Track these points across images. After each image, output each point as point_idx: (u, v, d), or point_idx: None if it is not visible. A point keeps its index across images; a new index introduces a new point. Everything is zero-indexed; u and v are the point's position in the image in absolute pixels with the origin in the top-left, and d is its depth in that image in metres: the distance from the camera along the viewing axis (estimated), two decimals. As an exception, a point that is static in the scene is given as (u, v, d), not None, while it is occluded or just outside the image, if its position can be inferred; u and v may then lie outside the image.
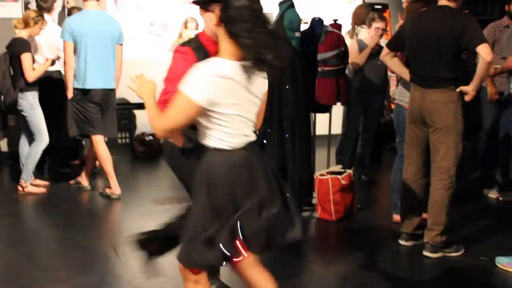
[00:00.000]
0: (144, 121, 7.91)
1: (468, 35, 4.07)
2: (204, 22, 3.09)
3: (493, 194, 6.04)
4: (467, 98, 4.19)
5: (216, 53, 2.63)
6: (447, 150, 4.25)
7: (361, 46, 6.04)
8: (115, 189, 5.75)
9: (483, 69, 4.06)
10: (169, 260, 4.17)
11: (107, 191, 5.78)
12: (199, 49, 2.98)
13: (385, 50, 4.56)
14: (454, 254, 4.38)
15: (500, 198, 5.96)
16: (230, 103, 2.51)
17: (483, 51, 4.00)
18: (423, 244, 4.42)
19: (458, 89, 4.18)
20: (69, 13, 6.61)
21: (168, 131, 2.59)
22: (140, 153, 7.65)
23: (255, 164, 2.63)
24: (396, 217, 4.97)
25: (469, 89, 4.16)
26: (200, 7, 3.07)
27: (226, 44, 2.52)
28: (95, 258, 4.33)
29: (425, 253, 4.37)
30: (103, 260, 4.31)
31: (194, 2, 3.11)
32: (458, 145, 4.27)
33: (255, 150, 2.69)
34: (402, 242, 4.59)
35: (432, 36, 4.19)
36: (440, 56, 4.19)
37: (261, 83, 2.65)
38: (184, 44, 3.10)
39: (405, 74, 4.49)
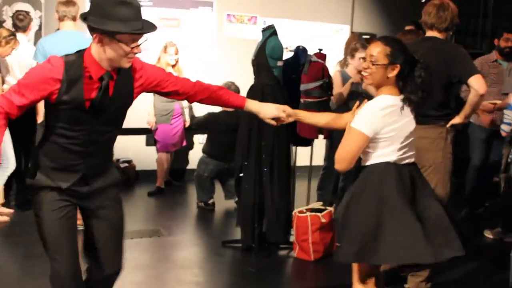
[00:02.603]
0: (119, 147, 7.63)
1: (460, 67, 3.87)
2: (99, 46, 2.63)
3: (491, 235, 5.80)
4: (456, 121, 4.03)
5: (96, 74, 2.60)
6: (434, 189, 3.99)
7: (345, 78, 5.80)
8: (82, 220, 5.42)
9: (475, 101, 3.88)
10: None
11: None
12: (74, 65, 2.64)
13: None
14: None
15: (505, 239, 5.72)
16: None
17: (476, 83, 3.80)
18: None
19: (448, 125, 3.97)
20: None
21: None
22: (115, 180, 7.34)
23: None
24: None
25: (459, 121, 4.00)
26: (102, 34, 2.60)
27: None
28: (53, 297, 4.00)
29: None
30: (61, 300, 3.99)
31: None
32: (446, 184, 4.05)
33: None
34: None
35: None
36: (429, 91, 3.96)
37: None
38: (63, 56, 2.72)
39: None
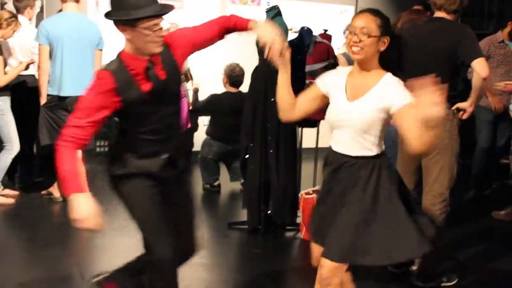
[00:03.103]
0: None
1: (465, 48, 3.79)
2: (127, 40, 2.71)
3: (499, 216, 5.76)
4: (464, 115, 3.92)
5: (140, 67, 2.66)
6: (441, 173, 3.95)
7: (350, 60, 5.73)
8: (87, 202, 5.41)
9: (478, 85, 3.79)
10: None
11: (79, 204, 5.44)
12: (119, 70, 2.70)
13: None
14: (447, 284, 4.08)
15: None
16: None
17: (479, 66, 3.73)
18: (413, 272, 4.12)
19: (454, 107, 3.90)
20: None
21: None
22: (119, 163, 7.32)
23: None
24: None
25: (466, 106, 3.89)
26: (124, 24, 2.65)
27: None
28: (59, 280, 4.00)
29: (416, 282, 4.07)
30: (66, 282, 3.99)
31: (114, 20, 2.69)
32: (453, 167, 3.99)
33: None
34: (390, 268, 4.29)
35: (426, 51, 3.89)
36: (435, 72, 3.90)
37: None
38: (104, 67, 2.80)
39: None
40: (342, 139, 2.84)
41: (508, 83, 5.71)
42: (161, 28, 2.64)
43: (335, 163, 2.87)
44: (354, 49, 2.77)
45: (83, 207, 2.69)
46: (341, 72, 2.93)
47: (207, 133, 6.55)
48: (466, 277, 4.22)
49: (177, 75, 2.87)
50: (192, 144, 7.87)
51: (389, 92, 2.75)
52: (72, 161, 2.67)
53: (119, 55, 2.76)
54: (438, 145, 3.90)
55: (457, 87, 3.98)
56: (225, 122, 6.24)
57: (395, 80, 2.82)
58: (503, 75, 6.02)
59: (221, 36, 3.00)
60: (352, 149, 2.82)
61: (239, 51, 7.21)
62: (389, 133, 4.70)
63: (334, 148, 2.89)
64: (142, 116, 2.77)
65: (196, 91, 6.70)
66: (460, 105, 3.91)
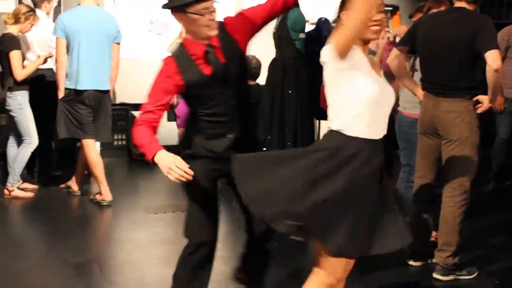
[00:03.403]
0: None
1: (481, 38, 3.73)
2: (184, 26, 2.84)
3: None
4: (480, 109, 3.87)
5: (200, 51, 2.75)
6: (461, 165, 3.90)
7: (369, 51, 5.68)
8: (106, 195, 5.44)
9: (491, 77, 3.72)
10: (155, 277, 3.91)
11: (98, 197, 5.48)
12: (181, 55, 2.84)
13: (394, 53, 4.13)
14: (466, 277, 4.03)
15: None
16: None
17: (491, 58, 3.67)
18: (433, 265, 4.08)
19: (474, 98, 3.85)
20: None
21: None
22: (137, 155, 7.33)
23: None
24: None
25: (485, 100, 3.84)
26: (177, 12, 2.78)
27: None
28: (77, 273, 4.02)
29: (435, 275, 4.02)
30: (85, 276, 4.00)
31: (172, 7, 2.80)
32: (473, 159, 3.93)
33: None
34: (410, 262, 4.25)
35: (446, 41, 3.85)
36: (455, 63, 3.85)
37: None
38: (170, 53, 2.94)
39: (412, 87, 4.16)
40: (380, 121, 2.58)
41: None
42: (212, 11, 2.71)
43: (375, 155, 2.55)
44: (375, 28, 2.54)
45: (167, 158, 2.73)
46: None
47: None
48: (486, 269, 4.17)
49: (238, 58, 2.90)
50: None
51: None
52: (145, 134, 2.80)
53: (182, 42, 2.88)
54: (459, 137, 3.86)
55: (476, 77, 3.91)
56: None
57: None
58: (524, 65, 5.94)
59: (280, 11, 3.02)
60: (383, 132, 2.59)
61: (256, 43, 7.17)
62: (401, 123, 4.69)
63: (371, 136, 2.54)
64: (206, 98, 2.85)
65: None
66: (480, 97, 3.86)
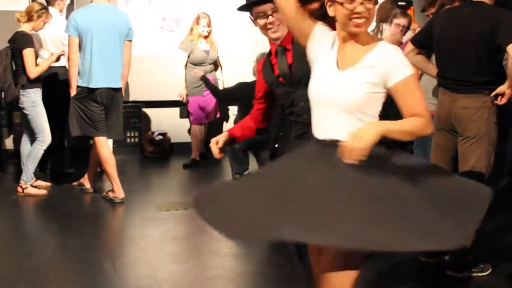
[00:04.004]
0: (154, 120, 7.64)
1: (502, 32, 3.64)
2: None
3: None
4: (503, 100, 3.74)
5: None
6: (477, 161, 3.83)
7: None
8: (118, 193, 5.45)
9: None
10: (168, 274, 3.92)
11: (110, 194, 5.49)
12: (267, 54, 3.00)
13: (409, 46, 4.10)
14: (480, 274, 4.00)
15: None
16: None
17: None
18: (447, 262, 4.05)
19: (493, 93, 3.74)
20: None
21: None
22: (150, 153, 7.37)
23: None
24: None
25: (504, 89, 3.71)
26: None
27: None
28: (90, 270, 4.01)
29: (449, 272, 3.99)
30: (98, 273, 4.00)
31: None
32: (490, 156, 3.85)
33: None
34: (423, 258, 4.22)
35: (464, 35, 3.77)
36: (473, 57, 3.78)
37: None
38: None
39: (432, 71, 4.10)
40: (323, 123, 2.38)
41: None
42: (269, 15, 2.80)
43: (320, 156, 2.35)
44: (358, 21, 2.25)
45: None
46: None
47: (236, 122, 6.52)
48: (500, 266, 4.13)
49: (303, 61, 2.79)
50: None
51: (385, 60, 2.26)
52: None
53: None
54: (477, 134, 3.80)
55: (494, 72, 3.85)
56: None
57: (392, 47, 2.33)
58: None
59: None
60: (327, 135, 2.35)
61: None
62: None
63: (317, 135, 2.40)
64: (280, 98, 2.93)
65: (205, 79, 6.61)
66: (498, 89, 3.74)
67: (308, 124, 2.68)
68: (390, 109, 3.01)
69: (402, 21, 5.54)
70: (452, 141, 3.97)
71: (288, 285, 3.71)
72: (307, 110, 2.73)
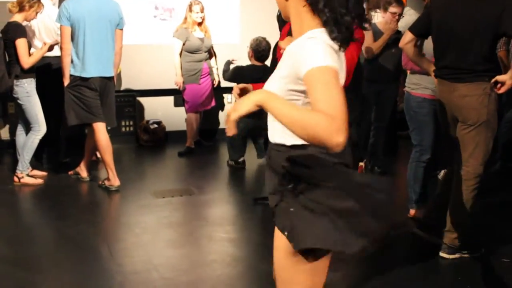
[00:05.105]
0: (149, 109, 7.66)
1: (506, 18, 3.61)
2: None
3: None
4: (502, 89, 3.72)
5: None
6: (476, 148, 3.84)
7: (375, 31, 5.67)
8: (114, 180, 5.48)
9: None
10: (164, 259, 3.97)
11: (106, 183, 5.52)
12: None
13: (408, 36, 4.05)
14: (472, 255, 4.05)
15: None
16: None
17: None
18: (440, 244, 4.10)
19: (493, 80, 3.72)
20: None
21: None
22: (145, 141, 7.39)
23: None
24: (412, 212, 4.69)
25: (506, 78, 3.68)
26: None
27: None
28: (88, 256, 4.07)
29: (442, 254, 4.05)
30: (95, 259, 4.05)
31: None
32: (489, 142, 3.86)
33: None
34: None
35: (465, 22, 3.73)
36: (474, 45, 3.73)
37: None
38: None
39: (429, 67, 4.11)
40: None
41: None
42: None
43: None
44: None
45: None
46: None
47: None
48: (492, 247, 4.19)
49: None
50: (218, 122, 7.90)
51: (293, 51, 2.01)
52: None
53: None
54: (477, 121, 3.78)
55: (494, 59, 3.84)
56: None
57: (306, 35, 1.99)
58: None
59: None
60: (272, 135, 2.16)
61: (260, 27, 7.16)
62: (410, 103, 4.68)
63: None
64: None
65: (228, 63, 6.62)
66: (500, 77, 3.72)
67: None
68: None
69: (397, 9, 5.57)
70: (455, 130, 3.97)
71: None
72: None
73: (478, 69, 3.77)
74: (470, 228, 4.11)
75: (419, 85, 4.55)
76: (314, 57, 1.87)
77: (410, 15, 6.04)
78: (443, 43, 3.91)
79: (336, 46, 1.96)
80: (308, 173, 2.02)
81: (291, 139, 2.03)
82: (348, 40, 2.00)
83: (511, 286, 3.75)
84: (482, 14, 3.69)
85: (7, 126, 7.16)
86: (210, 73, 7.08)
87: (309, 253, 2.11)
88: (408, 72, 4.82)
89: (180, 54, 6.81)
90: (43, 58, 5.71)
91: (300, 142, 1.97)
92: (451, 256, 4.02)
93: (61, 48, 5.44)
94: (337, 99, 1.77)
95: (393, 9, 5.52)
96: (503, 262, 4.01)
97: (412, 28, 4.10)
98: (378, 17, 5.98)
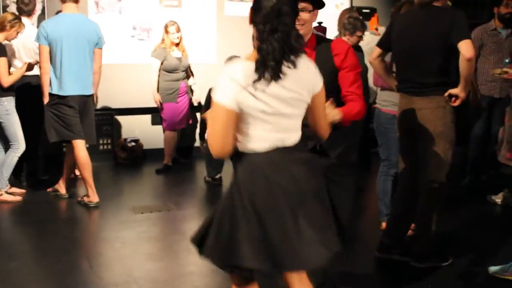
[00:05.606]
0: (126, 127, 7.75)
1: (454, 30, 3.83)
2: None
3: (496, 199, 5.89)
4: (456, 102, 3.95)
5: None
6: (435, 159, 4.04)
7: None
8: (93, 197, 5.56)
9: (464, 67, 3.80)
10: (143, 272, 4.06)
11: (85, 199, 5.60)
12: None
13: (376, 51, 4.27)
14: (442, 264, 4.21)
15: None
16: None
17: (464, 47, 3.77)
18: (410, 253, 4.25)
19: (446, 93, 3.95)
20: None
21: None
22: (122, 159, 7.47)
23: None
24: (384, 224, 4.83)
25: (457, 91, 3.92)
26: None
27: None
28: (68, 270, 4.14)
29: (412, 263, 4.20)
30: (75, 272, 4.13)
31: None
32: (447, 153, 4.05)
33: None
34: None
35: (420, 36, 3.97)
36: (428, 58, 3.96)
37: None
38: None
39: (392, 82, 4.31)
40: None
41: (508, 70, 5.71)
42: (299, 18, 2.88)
43: None
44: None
45: None
46: None
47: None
48: (461, 257, 4.35)
49: (328, 69, 3.06)
50: (194, 140, 8.01)
51: None
52: None
53: None
54: (433, 133, 3.99)
55: (448, 73, 4.04)
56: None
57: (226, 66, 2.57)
58: (496, 63, 6.13)
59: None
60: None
61: (236, 47, 7.32)
62: (380, 120, 4.86)
63: None
64: None
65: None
66: (452, 91, 3.93)
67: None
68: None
69: (361, 33, 5.74)
70: (414, 142, 4.16)
71: (260, 279, 3.84)
72: None
73: (431, 82, 3.98)
74: (438, 238, 4.27)
75: (389, 102, 4.73)
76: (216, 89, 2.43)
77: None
78: (400, 57, 4.15)
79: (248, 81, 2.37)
80: None
81: None
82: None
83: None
84: (435, 28, 3.91)
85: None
86: (187, 92, 7.21)
87: None
88: (379, 89, 5.00)
89: (159, 73, 6.93)
90: (22, 77, 5.79)
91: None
92: (422, 265, 4.17)
93: (40, 67, 5.54)
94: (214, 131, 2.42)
95: (359, 33, 5.68)
96: (471, 269, 4.17)
97: (378, 43, 4.35)
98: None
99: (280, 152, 2.48)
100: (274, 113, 2.43)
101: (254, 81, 2.36)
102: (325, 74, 2.74)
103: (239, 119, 2.42)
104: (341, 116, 2.99)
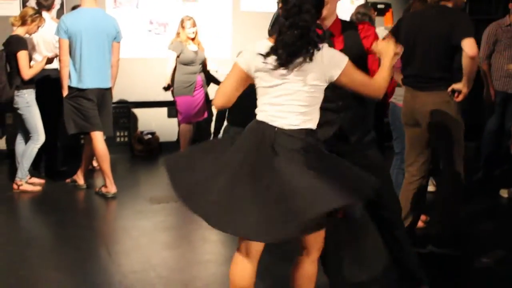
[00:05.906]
0: (143, 120, 7.86)
1: (457, 30, 3.95)
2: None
3: (506, 194, 5.94)
4: (459, 98, 4.05)
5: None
6: (448, 153, 4.14)
7: None
8: (111, 187, 5.68)
9: (467, 64, 3.91)
10: (161, 259, 4.17)
11: (103, 189, 5.72)
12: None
13: None
14: (453, 254, 4.28)
15: None
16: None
17: (467, 46, 3.86)
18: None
19: (449, 89, 4.05)
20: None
21: None
22: (139, 152, 7.59)
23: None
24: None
25: (460, 87, 4.02)
26: None
27: None
28: (87, 257, 4.26)
29: (431, 248, 4.29)
30: (94, 260, 4.25)
31: None
32: (457, 147, 4.15)
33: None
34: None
35: (425, 34, 4.09)
36: (431, 55, 4.09)
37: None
38: None
39: (397, 76, 4.42)
40: None
41: None
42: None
43: None
44: None
45: None
46: None
47: (227, 120, 6.73)
48: (472, 251, 4.42)
49: (357, 50, 3.08)
50: (210, 133, 8.09)
51: None
52: None
53: None
54: (439, 127, 4.09)
55: (451, 69, 4.12)
56: (242, 105, 6.36)
57: None
58: (510, 58, 6.16)
59: None
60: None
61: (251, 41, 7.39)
62: (395, 114, 4.92)
63: None
64: None
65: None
66: (455, 86, 4.03)
67: (334, 110, 3.04)
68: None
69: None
70: (420, 134, 4.25)
71: (276, 267, 3.93)
72: (341, 98, 3.03)
73: (434, 77, 4.10)
74: (453, 230, 4.34)
75: (404, 96, 4.80)
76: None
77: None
78: (407, 53, 4.22)
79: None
80: None
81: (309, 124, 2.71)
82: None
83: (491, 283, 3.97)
84: (436, 28, 4.04)
85: (5, 137, 7.33)
86: (203, 85, 7.29)
87: None
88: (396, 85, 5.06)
89: (175, 66, 7.01)
90: (43, 70, 5.91)
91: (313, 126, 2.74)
92: (442, 251, 4.24)
93: (59, 60, 5.65)
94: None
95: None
96: (482, 262, 4.24)
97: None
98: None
99: (269, 128, 2.71)
100: (272, 86, 2.72)
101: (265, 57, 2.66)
102: (355, 58, 2.80)
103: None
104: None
